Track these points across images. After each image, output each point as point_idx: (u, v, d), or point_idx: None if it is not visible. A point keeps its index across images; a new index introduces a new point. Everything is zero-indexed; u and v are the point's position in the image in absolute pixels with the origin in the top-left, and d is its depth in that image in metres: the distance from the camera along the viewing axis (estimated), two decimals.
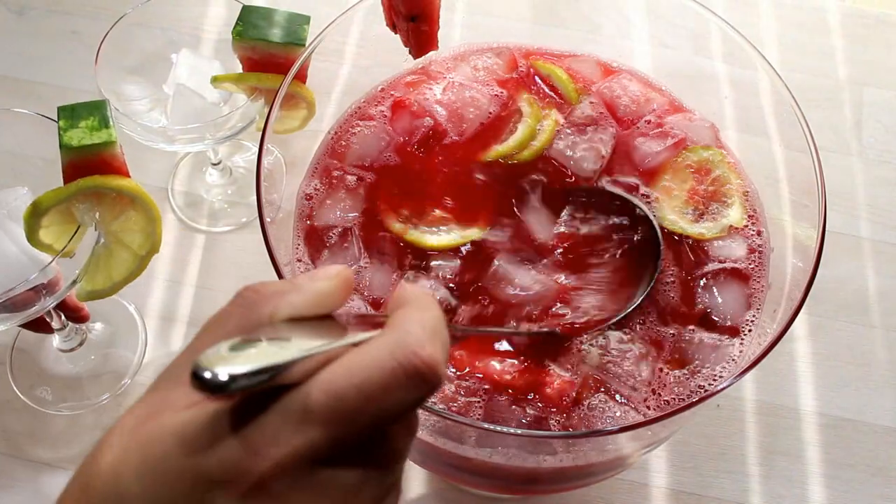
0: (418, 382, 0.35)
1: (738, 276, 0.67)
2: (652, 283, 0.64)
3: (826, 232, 0.59)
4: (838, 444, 0.82)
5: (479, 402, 0.60)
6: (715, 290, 0.66)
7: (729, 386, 0.55)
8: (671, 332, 0.63)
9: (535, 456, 0.58)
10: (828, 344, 0.87)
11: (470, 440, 0.57)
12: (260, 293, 0.38)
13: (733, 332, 0.64)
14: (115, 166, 0.67)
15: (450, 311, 0.63)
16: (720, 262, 0.67)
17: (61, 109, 0.67)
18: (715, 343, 0.63)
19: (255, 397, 0.34)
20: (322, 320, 0.39)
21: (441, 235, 0.67)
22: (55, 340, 0.85)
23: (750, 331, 0.65)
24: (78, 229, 0.66)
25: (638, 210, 0.67)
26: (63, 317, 0.81)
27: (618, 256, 0.66)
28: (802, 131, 0.63)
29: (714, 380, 0.62)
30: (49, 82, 1.02)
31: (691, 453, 0.81)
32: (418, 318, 0.37)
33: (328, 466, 0.35)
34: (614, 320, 0.62)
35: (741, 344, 0.64)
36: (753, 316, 0.65)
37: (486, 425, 0.53)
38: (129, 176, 0.69)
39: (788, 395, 0.84)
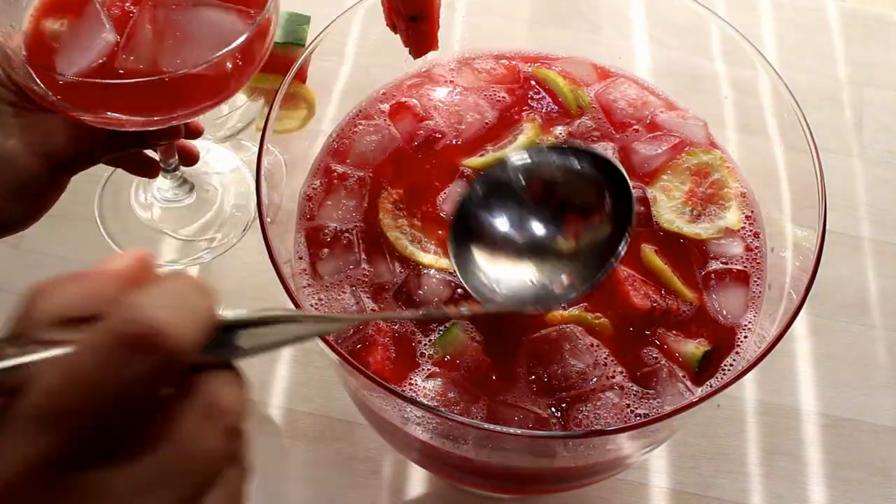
0: (140, 350, 0.30)
1: (735, 275, 0.67)
2: (621, 253, 0.57)
3: (826, 232, 0.59)
4: (838, 444, 0.82)
5: (480, 403, 0.60)
6: (712, 288, 0.66)
7: (729, 386, 0.55)
8: (660, 330, 0.64)
9: (536, 457, 0.58)
10: (828, 344, 0.87)
11: (471, 441, 0.57)
12: (32, 290, 0.34)
13: (730, 331, 0.65)
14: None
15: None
16: (717, 260, 0.67)
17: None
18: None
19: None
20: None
21: (429, 254, 0.67)
22: (157, 192, 0.86)
23: (749, 330, 0.65)
24: None
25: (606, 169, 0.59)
26: (176, 155, 0.79)
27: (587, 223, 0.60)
28: (802, 131, 0.63)
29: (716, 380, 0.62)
30: None
31: (691, 453, 0.81)
32: (146, 290, 0.32)
33: (92, 468, 0.31)
34: (574, 295, 0.57)
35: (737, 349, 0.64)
36: (754, 315, 0.65)
37: (486, 426, 0.53)
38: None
39: (788, 395, 0.84)
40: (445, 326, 0.62)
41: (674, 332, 0.63)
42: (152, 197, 0.88)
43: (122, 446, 0.32)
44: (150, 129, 0.67)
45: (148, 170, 0.77)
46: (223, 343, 0.36)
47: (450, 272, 0.65)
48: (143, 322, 0.31)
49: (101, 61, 0.63)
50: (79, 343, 0.31)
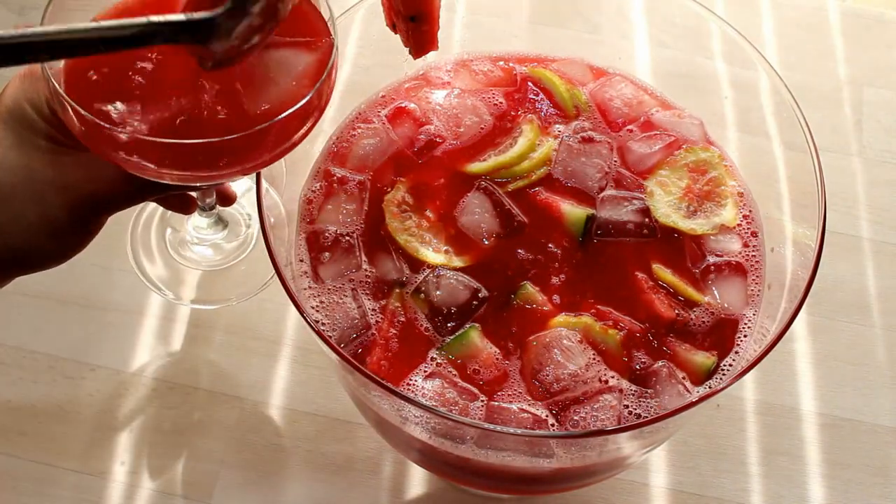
0: None
1: (733, 267, 0.67)
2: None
3: (826, 232, 0.59)
4: (838, 443, 0.82)
5: (479, 403, 0.60)
6: (710, 282, 0.66)
7: (729, 386, 0.55)
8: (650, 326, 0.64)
9: (535, 457, 0.58)
10: (828, 344, 0.87)
11: (470, 441, 0.57)
12: None
13: (729, 329, 0.65)
14: None
15: None
16: (713, 255, 0.67)
17: None
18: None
19: None
20: None
21: (440, 254, 0.67)
22: (192, 230, 0.87)
23: (749, 329, 0.65)
24: None
25: None
26: (214, 195, 0.79)
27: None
28: (802, 131, 0.63)
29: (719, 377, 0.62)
30: None
31: (691, 453, 0.81)
32: None
33: None
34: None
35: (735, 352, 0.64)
36: (753, 314, 0.65)
37: (486, 425, 0.53)
38: None
39: (788, 395, 0.84)
40: (462, 329, 0.63)
41: (686, 344, 0.63)
42: (187, 234, 0.89)
43: None
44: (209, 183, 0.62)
45: (185, 207, 0.77)
46: None
47: (463, 271, 0.65)
48: None
49: (167, 116, 0.57)
50: None
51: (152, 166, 0.56)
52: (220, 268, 0.89)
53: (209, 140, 0.54)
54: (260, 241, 0.91)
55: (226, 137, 0.54)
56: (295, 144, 0.59)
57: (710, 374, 0.62)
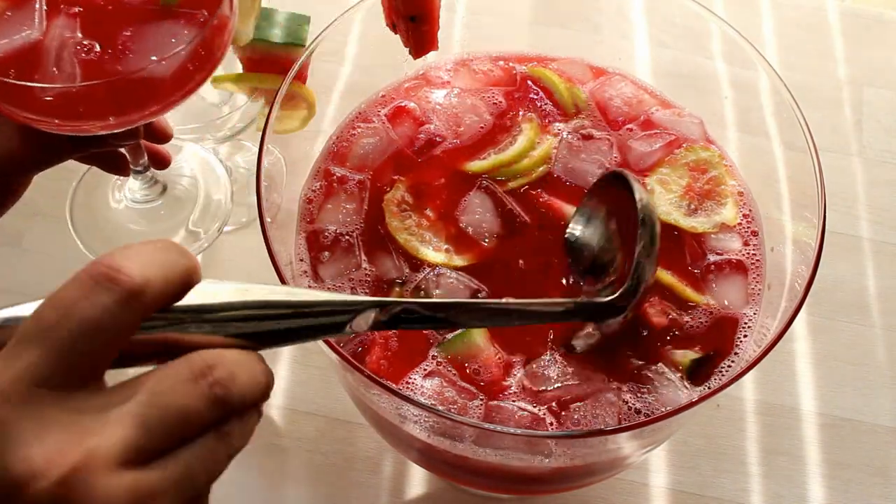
0: (105, 283, 0.37)
1: (734, 265, 0.67)
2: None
3: (826, 232, 0.59)
4: (838, 443, 0.82)
5: (478, 402, 0.60)
6: (710, 280, 0.66)
7: (728, 386, 0.55)
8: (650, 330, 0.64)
9: (534, 456, 0.58)
10: (828, 344, 0.87)
11: (469, 440, 0.57)
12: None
13: (729, 328, 0.65)
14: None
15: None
16: (713, 253, 0.67)
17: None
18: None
19: None
20: None
21: (440, 253, 0.67)
22: (128, 192, 0.86)
23: (749, 328, 0.65)
24: None
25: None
26: (146, 156, 0.79)
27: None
28: (802, 131, 0.63)
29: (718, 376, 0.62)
30: None
31: (691, 453, 0.81)
32: (127, 246, 0.39)
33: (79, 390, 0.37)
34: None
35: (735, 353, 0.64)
36: (753, 314, 0.65)
37: (484, 425, 0.53)
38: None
39: (788, 395, 0.84)
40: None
41: (684, 343, 0.63)
42: (123, 197, 0.88)
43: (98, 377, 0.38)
44: (100, 133, 0.66)
45: (117, 168, 0.77)
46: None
47: (463, 271, 0.65)
48: (109, 261, 0.38)
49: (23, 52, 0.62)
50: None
51: (38, 117, 0.60)
52: (161, 229, 0.89)
53: (89, 83, 0.59)
54: (204, 200, 0.90)
55: (102, 80, 0.59)
56: (175, 101, 0.64)
57: (698, 365, 0.62)
